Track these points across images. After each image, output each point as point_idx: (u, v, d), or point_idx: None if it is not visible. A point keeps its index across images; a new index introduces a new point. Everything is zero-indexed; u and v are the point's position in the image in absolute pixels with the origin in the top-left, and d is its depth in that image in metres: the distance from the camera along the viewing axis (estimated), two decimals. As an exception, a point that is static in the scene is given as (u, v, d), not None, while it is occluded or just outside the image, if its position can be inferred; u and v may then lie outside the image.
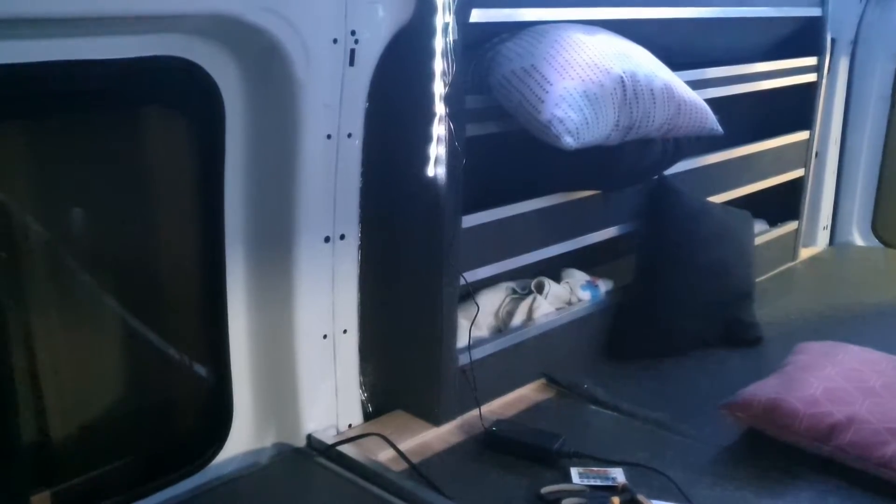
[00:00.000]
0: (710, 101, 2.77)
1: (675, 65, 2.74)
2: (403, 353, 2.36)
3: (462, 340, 2.37)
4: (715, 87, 3.11)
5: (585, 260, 2.91)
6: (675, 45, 2.91)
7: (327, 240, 2.17)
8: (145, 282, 2.10)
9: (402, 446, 2.21)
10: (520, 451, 2.19)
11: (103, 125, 1.92)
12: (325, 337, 2.23)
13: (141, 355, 2.15)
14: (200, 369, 2.22)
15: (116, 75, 1.82)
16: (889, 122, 4.07)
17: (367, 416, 2.40)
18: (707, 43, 3.17)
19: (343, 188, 2.16)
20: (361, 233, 2.26)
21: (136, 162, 2.00)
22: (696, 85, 2.96)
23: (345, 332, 2.28)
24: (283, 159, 2.04)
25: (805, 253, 3.97)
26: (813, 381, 2.28)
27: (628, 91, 2.28)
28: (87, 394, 2.09)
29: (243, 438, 2.20)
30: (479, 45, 2.34)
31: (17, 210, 1.84)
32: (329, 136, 2.07)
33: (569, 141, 2.15)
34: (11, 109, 1.75)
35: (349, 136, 2.11)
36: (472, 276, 2.36)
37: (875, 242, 4.21)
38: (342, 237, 2.20)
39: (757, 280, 3.28)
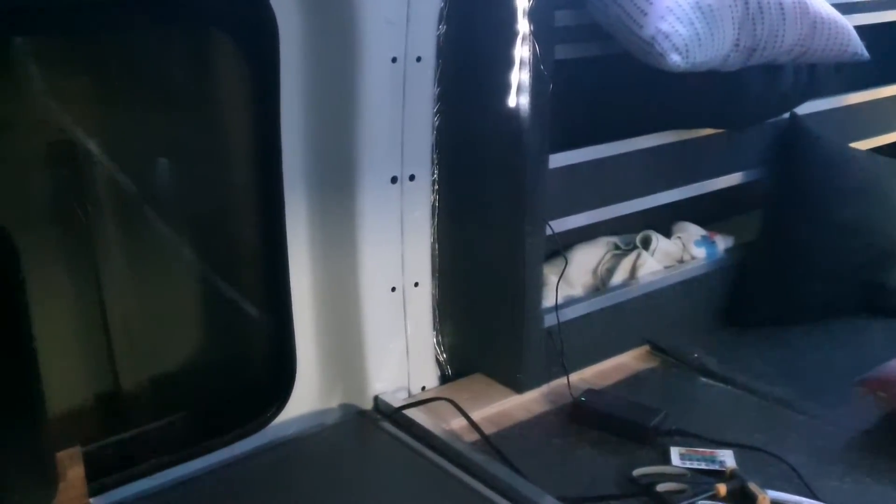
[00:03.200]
0: (857, 29, 2.36)
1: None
2: (483, 311, 2.11)
3: (550, 299, 2.10)
4: (864, 13, 2.65)
5: (701, 212, 2.55)
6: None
7: (394, 180, 1.93)
8: (199, 227, 1.94)
9: (479, 414, 1.97)
10: (612, 425, 1.90)
11: (147, 48, 1.75)
12: (393, 290, 2.01)
13: (199, 307, 2.01)
14: (262, 322, 2.05)
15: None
16: None
17: (446, 380, 2.17)
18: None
19: (412, 121, 1.91)
20: (434, 173, 2.00)
21: (183, 93, 1.83)
22: (841, 8, 2.54)
23: (416, 285, 2.04)
24: (342, 86, 1.80)
25: (967, 210, 3.43)
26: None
27: (752, 3, 1.91)
28: (151, 346, 1.97)
29: (307, 398, 2.02)
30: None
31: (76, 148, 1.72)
32: (394, 59, 1.82)
33: (675, 59, 1.81)
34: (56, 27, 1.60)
35: (418, 59, 1.86)
36: (560, 225, 2.07)
37: None
38: (412, 178, 1.96)
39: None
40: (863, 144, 2.81)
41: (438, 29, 1.87)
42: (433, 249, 2.07)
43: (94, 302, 1.81)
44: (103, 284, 1.82)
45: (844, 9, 2.42)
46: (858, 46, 2.14)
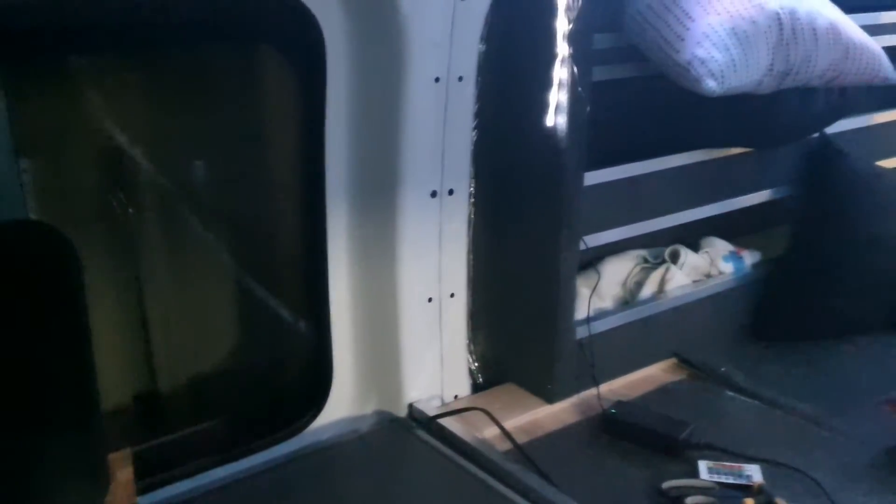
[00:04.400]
0: (887, 50, 2.38)
1: (844, 7, 2.36)
2: (516, 322, 2.16)
3: (582, 311, 2.14)
4: (892, 35, 2.68)
5: (729, 228, 2.59)
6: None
7: (434, 194, 1.99)
8: (243, 233, 2.01)
9: (511, 423, 2.02)
10: (641, 437, 1.95)
11: (196, 63, 1.82)
12: (430, 300, 2.06)
13: (239, 311, 2.07)
14: (300, 328, 2.12)
15: (212, 10, 1.70)
16: None
17: (477, 388, 2.23)
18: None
19: (452, 137, 1.96)
20: (472, 188, 2.06)
21: (232, 104, 1.89)
22: (868, 31, 2.57)
23: (452, 295, 2.10)
24: (387, 103, 1.86)
25: None
26: None
27: (786, 29, 1.95)
28: (191, 349, 2.04)
29: (342, 404, 2.08)
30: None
31: (126, 155, 1.79)
32: (437, 79, 1.87)
33: (711, 85, 1.86)
34: (102, 42, 1.67)
35: (460, 79, 1.91)
36: (595, 240, 2.12)
37: None
38: (451, 192, 2.01)
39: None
40: (890, 162, 2.84)
41: (479, 49, 1.92)
42: (469, 261, 2.12)
43: (137, 305, 1.87)
44: (146, 290, 1.88)
45: (871, 30, 2.47)
46: (890, 71, 2.18)
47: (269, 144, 2.00)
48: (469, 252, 2.12)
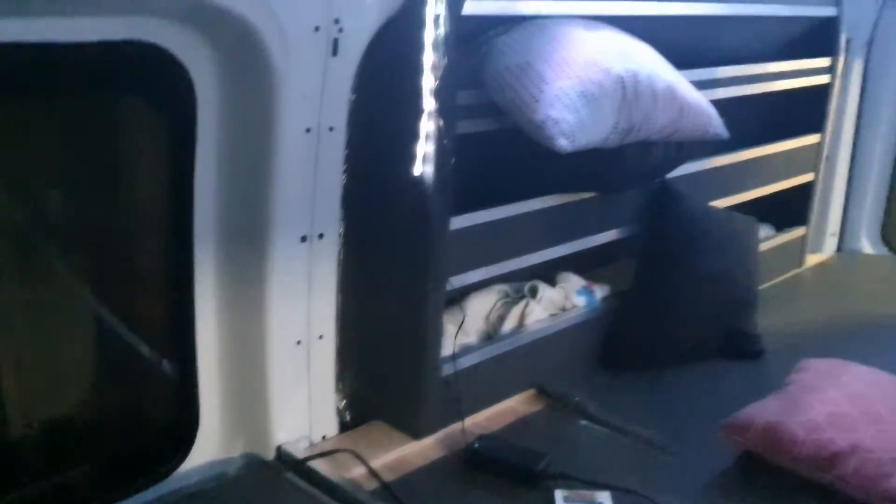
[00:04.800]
0: (719, 102, 2.65)
1: (684, 63, 2.60)
2: (384, 361, 2.23)
3: (448, 348, 2.25)
4: (725, 87, 2.98)
5: (582, 264, 2.78)
6: (683, 42, 2.77)
7: (304, 239, 2.04)
8: (108, 277, 1.98)
9: (379, 461, 2.09)
10: (502, 470, 2.06)
11: (65, 111, 1.79)
12: (298, 343, 2.10)
13: (103, 354, 2.03)
14: (166, 372, 2.10)
15: (80, 60, 1.69)
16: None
17: (345, 427, 2.28)
18: (717, 41, 3.03)
19: (323, 185, 2.02)
20: (342, 232, 2.13)
21: (99, 151, 1.87)
22: (704, 84, 2.83)
23: (321, 337, 2.15)
24: (258, 153, 1.91)
25: (812, 259, 3.84)
26: (815, 405, 2.15)
27: (629, 92, 2.14)
28: (47, 393, 1.98)
29: (209, 448, 2.08)
30: (473, 38, 2.20)
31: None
32: (309, 130, 1.93)
33: (563, 143, 2.02)
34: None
35: (331, 129, 1.98)
36: (460, 280, 2.24)
37: (884, 251, 4.07)
38: (321, 236, 2.07)
39: (762, 287, 3.15)
40: (724, 202, 3.13)
41: (350, 100, 2.00)
42: (338, 302, 2.18)
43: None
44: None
45: (707, 84, 2.75)
46: (719, 127, 2.42)
47: (134, 188, 1.99)
48: (338, 293, 2.17)
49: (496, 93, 2.11)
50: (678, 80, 2.31)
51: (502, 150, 2.27)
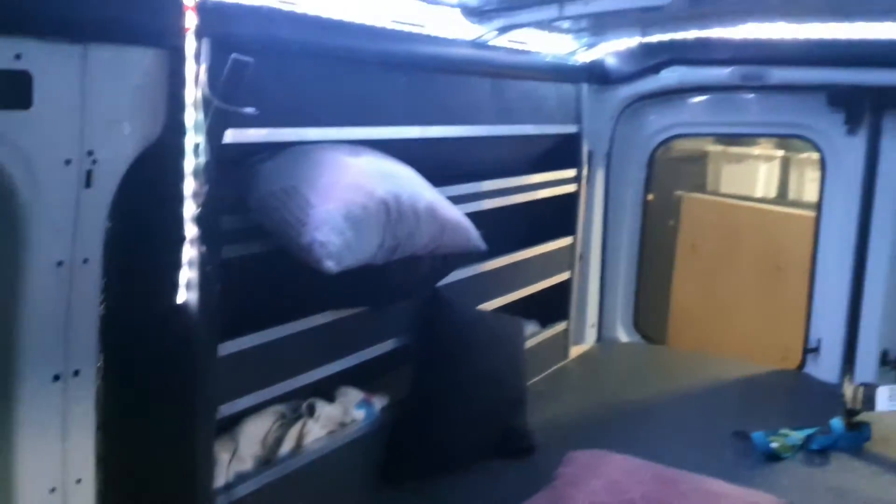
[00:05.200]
0: (484, 212, 2.85)
1: (450, 177, 2.78)
2: (152, 501, 2.11)
3: (221, 478, 2.17)
4: (488, 199, 3.22)
5: (363, 376, 2.81)
6: (448, 160, 2.99)
7: (57, 378, 1.91)
8: None
9: None
10: None
11: None
12: (53, 490, 1.94)
13: None
14: None
15: None
16: (642, 225, 4.39)
17: (111, 573, 2.11)
18: (478, 157, 3.28)
19: (78, 319, 1.92)
20: (101, 367, 2.01)
21: None
22: (470, 197, 3.05)
23: (78, 482, 2.00)
24: (4, 289, 1.78)
25: (575, 351, 4.14)
26: (578, 497, 2.30)
27: (392, 212, 2.25)
28: None
29: None
30: (238, 163, 2.22)
31: None
32: (60, 263, 1.84)
33: (330, 265, 2.07)
34: None
35: (85, 261, 1.89)
36: (233, 406, 2.18)
37: (637, 338, 4.48)
38: (76, 374, 1.95)
39: (532, 382, 3.35)
40: (493, 304, 3.32)
41: (106, 229, 1.93)
42: (98, 443, 2.05)
43: None
44: None
45: (472, 197, 2.96)
46: (477, 240, 2.59)
47: None
48: (98, 432, 2.04)
49: (264, 216, 2.13)
50: (438, 199, 2.46)
51: (274, 271, 2.29)
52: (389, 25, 2.71)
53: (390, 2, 2.67)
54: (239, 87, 1.93)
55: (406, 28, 2.80)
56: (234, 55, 1.88)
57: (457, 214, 2.52)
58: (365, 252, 2.19)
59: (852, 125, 3.70)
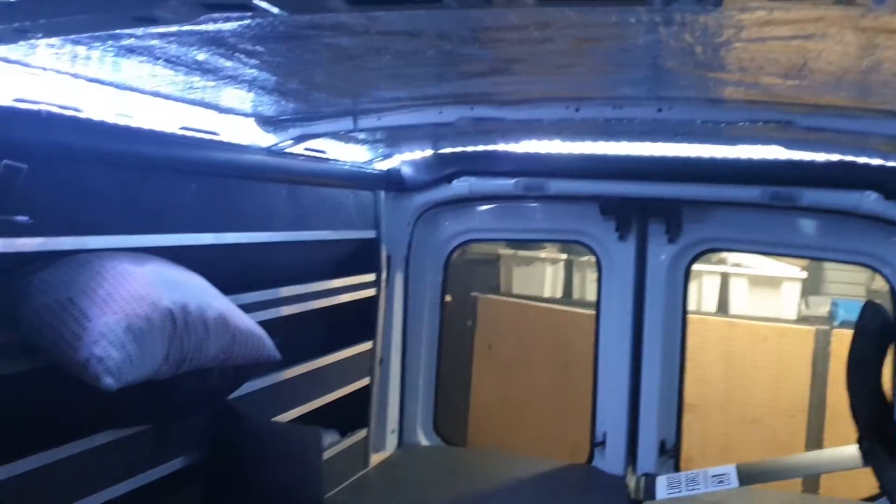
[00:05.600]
0: (283, 319, 2.80)
1: (249, 284, 2.73)
2: None
3: None
4: (287, 305, 3.19)
5: (148, 499, 2.61)
6: (246, 267, 2.94)
7: None
8: None
9: None
10: None
11: None
12: None
13: None
14: None
15: None
16: (440, 326, 4.50)
17: None
18: (278, 263, 3.25)
19: None
20: None
21: None
22: (268, 304, 3.01)
23: None
24: None
25: (376, 458, 4.10)
26: None
27: (179, 323, 2.17)
28: None
29: None
30: (8, 274, 2.07)
31: None
32: None
33: (109, 382, 1.95)
34: None
35: None
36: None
37: (438, 441, 4.51)
38: None
39: (331, 493, 3.26)
40: (291, 414, 3.24)
41: None
42: None
43: None
44: None
45: (270, 304, 2.92)
46: (271, 350, 2.54)
47: None
48: None
49: (34, 332, 1.98)
50: (230, 308, 2.40)
51: (44, 390, 2.11)
52: (181, 132, 2.68)
53: (182, 109, 2.65)
54: (10, 194, 1.82)
55: (200, 135, 2.77)
56: (4, 161, 1.78)
57: (249, 323, 2.47)
58: (148, 366, 2.08)
59: (622, 232, 4.06)
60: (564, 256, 7.10)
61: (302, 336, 3.29)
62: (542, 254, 7.11)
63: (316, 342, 3.56)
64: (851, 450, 3.54)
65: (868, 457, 3.37)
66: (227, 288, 2.54)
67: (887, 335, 3.32)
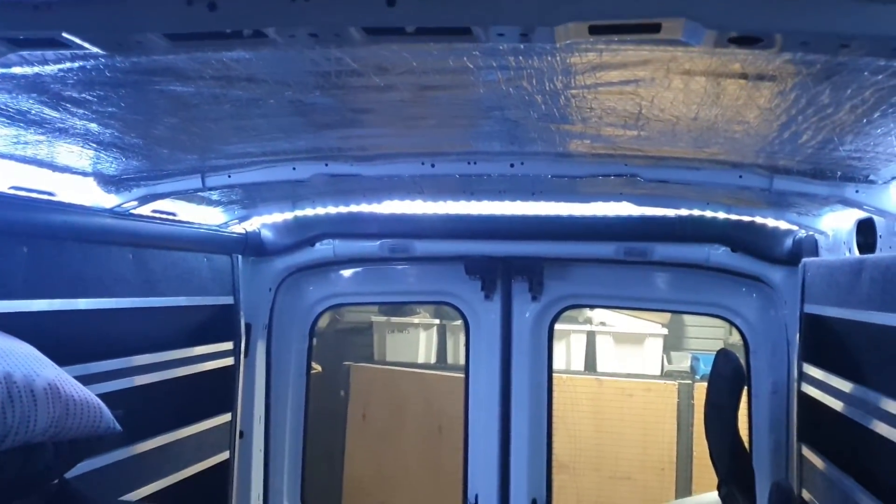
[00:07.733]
0: (132, 390, 2.61)
1: (95, 354, 2.54)
2: None
3: None
4: (137, 375, 2.99)
5: None
6: (90, 335, 2.76)
7: None
8: None
9: None
10: None
11: None
12: None
13: None
14: None
15: None
16: (307, 396, 4.34)
17: None
18: (126, 331, 3.05)
19: None
20: None
21: None
22: (114, 374, 2.81)
23: None
24: None
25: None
26: None
27: (2, 394, 1.97)
28: None
29: None
30: None
31: None
32: None
33: None
34: None
35: None
36: None
37: (306, 514, 4.32)
38: None
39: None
40: (140, 493, 3.01)
41: None
42: None
43: None
44: None
45: (122, 373, 2.73)
46: (110, 421, 2.35)
47: None
48: None
49: None
50: (62, 378, 2.21)
51: None
52: (10, 192, 2.51)
53: (12, 167, 2.48)
54: None
55: (32, 195, 2.60)
56: None
57: (85, 394, 2.27)
58: (-38, 443, 1.87)
59: (488, 291, 4.09)
60: (437, 321, 7.10)
61: (153, 408, 3.10)
62: (416, 319, 7.09)
63: (169, 414, 3.35)
64: (712, 496, 3.62)
65: (727, 502, 3.45)
66: (66, 357, 2.37)
67: (739, 380, 3.45)
